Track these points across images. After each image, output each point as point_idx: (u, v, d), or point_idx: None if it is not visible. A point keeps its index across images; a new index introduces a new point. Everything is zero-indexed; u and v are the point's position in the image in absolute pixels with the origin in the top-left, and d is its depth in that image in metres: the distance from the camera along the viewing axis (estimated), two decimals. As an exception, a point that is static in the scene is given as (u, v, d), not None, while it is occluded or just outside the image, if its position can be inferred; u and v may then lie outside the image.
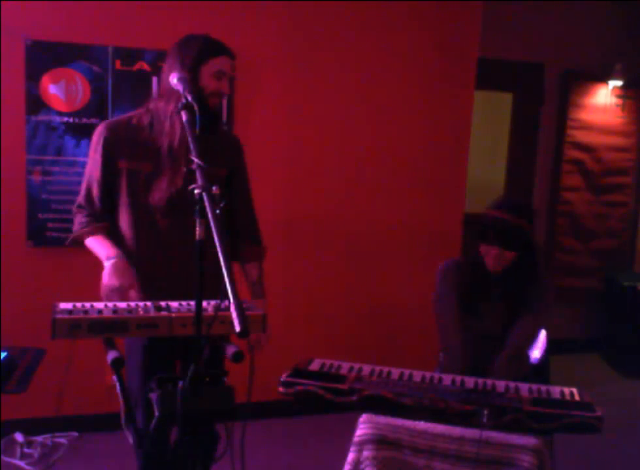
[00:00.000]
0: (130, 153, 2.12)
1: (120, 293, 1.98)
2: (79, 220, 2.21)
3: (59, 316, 1.68)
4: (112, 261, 2.04)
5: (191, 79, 2.04)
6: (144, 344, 2.20)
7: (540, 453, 1.88)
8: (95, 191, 2.18)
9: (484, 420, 1.79)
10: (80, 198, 2.22)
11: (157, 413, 1.51)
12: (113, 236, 2.19)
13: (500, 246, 2.33)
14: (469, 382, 2.02)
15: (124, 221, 2.17)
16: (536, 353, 2.67)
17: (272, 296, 3.57)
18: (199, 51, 2.09)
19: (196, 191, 1.52)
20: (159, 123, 2.12)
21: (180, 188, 2.10)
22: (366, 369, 2.08)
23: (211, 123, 2.14)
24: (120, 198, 2.16)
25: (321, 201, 3.65)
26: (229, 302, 1.37)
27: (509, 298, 2.41)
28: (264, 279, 2.37)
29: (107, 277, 2.00)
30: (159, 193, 2.12)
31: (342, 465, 2.02)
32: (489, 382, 2.01)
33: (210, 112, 2.12)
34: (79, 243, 2.20)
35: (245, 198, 2.36)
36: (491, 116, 4.95)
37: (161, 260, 2.16)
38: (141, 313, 1.76)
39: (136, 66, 3.20)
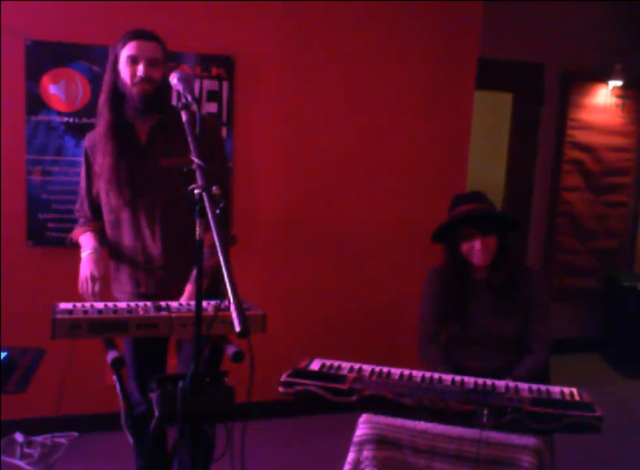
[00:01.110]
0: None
1: (91, 282, 2.14)
2: (78, 223, 2.39)
3: (59, 316, 1.68)
4: (87, 253, 2.21)
5: (114, 72, 2.17)
6: (132, 343, 2.28)
7: (540, 453, 1.88)
8: (85, 200, 2.34)
9: (484, 420, 1.79)
10: (76, 205, 2.41)
11: (156, 413, 1.51)
12: (102, 234, 2.32)
13: (480, 233, 2.33)
14: (469, 382, 2.01)
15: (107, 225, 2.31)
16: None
17: (272, 296, 3.60)
18: (117, 43, 2.18)
19: (196, 191, 1.52)
20: None
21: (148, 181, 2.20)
22: (366, 369, 2.08)
23: (148, 108, 2.18)
24: (101, 201, 2.29)
25: (321, 201, 3.65)
26: (229, 302, 1.37)
27: (496, 296, 2.40)
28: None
29: (81, 268, 2.19)
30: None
31: (342, 465, 2.01)
32: (489, 382, 2.01)
33: (140, 99, 2.15)
34: (74, 243, 2.35)
35: (221, 180, 2.25)
36: (491, 116, 4.95)
37: (144, 253, 2.25)
38: (141, 313, 1.76)
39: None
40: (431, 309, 2.46)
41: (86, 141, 2.33)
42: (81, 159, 2.35)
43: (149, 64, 2.14)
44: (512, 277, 2.40)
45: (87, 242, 2.27)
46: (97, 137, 2.25)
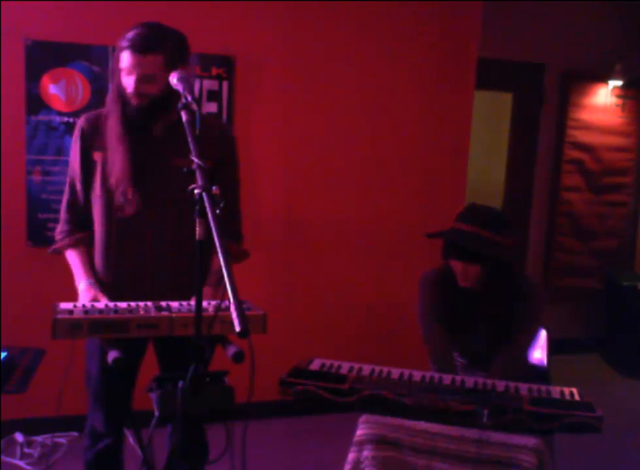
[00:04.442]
0: (104, 145, 2.09)
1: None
2: (60, 228, 2.21)
3: (59, 316, 1.68)
4: (82, 286, 2.07)
5: (116, 76, 2.03)
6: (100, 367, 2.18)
7: (540, 453, 1.88)
8: (78, 186, 2.16)
9: (484, 420, 1.79)
10: (64, 199, 2.21)
11: (156, 413, 1.51)
12: (90, 243, 2.18)
13: (462, 260, 2.24)
14: (469, 382, 2.01)
15: (97, 218, 2.14)
16: (536, 353, 2.67)
17: (272, 296, 3.60)
18: (118, 40, 2.01)
19: (196, 191, 1.52)
20: None
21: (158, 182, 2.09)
22: (366, 369, 2.08)
23: (144, 119, 2.05)
24: (94, 192, 2.13)
25: (320, 201, 3.65)
26: (229, 302, 1.37)
27: (493, 318, 2.33)
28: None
29: (79, 299, 2.05)
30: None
31: (342, 465, 2.02)
32: (489, 382, 2.01)
33: (135, 110, 2.03)
34: (59, 253, 2.21)
35: (231, 192, 2.24)
36: (491, 116, 4.95)
37: (133, 257, 2.12)
38: (142, 313, 1.76)
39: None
40: (430, 315, 2.41)
41: (84, 123, 2.12)
42: (75, 141, 2.15)
43: (142, 80, 1.97)
44: (508, 296, 2.31)
45: (77, 268, 2.12)
46: (106, 128, 2.08)
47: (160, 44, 1.97)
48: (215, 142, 2.17)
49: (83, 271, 2.12)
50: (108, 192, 2.09)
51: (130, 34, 1.98)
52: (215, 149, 2.15)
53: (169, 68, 1.96)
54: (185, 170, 1.63)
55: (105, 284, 2.13)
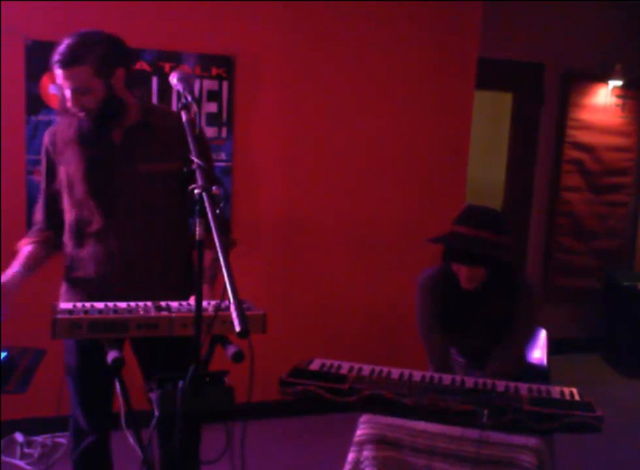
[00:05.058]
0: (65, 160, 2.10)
1: None
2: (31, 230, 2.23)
3: (59, 316, 1.68)
4: (8, 274, 2.05)
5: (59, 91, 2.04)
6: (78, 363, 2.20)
7: (540, 453, 1.88)
8: (46, 198, 2.18)
9: (484, 420, 1.79)
10: (39, 205, 2.22)
11: (156, 413, 1.51)
12: (48, 246, 2.18)
13: (465, 263, 2.23)
14: (469, 382, 2.01)
15: (67, 228, 2.15)
16: (536, 353, 2.67)
17: (272, 296, 3.60)
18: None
19: (196, 191, 1.52)
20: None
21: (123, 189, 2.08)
22: (366, 369, 2.08)
23: (97, 133, 2.05)
24: (64, 204, 2.14)
25: (320, 201, 3.65)
26: (229, 302, 1.37)
27: (492, 318, 2.33)
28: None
29: None
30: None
31: (342, 465, 2.02)
32: (489, 382, 2.01)
33: (86, 123, 2.04)
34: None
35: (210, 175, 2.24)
36: (491, 116, 4.95)
37: (104, 267, 2.12)
38: (141, 313, 1.76)
39: (136, 66, 3.20)
40: (429, 317, 2.41)
41: (47, 139, 2.15)
42: (43, 156, 2.16)
43: (77, 92, 1.97)
44: (507, 295, 2.31)
45: (16, 261, 2.10)
46: (65, 142, 2.09)
47: (85, 55, 1.95)
48: (183, 139, 2.14)
49: (15, 266, 2.09)
50: (74, 207, 2.10)
51: (58, 49, 1.97)
52: (180, 148, 2.09)
53: (102, 76, 1.97)
54: (185, 169, 1.62)
55: (81, 291, 2.14)
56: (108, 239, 2.10)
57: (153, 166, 2.08)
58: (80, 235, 2.13)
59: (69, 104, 2.00)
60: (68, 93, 1.99)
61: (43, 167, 2.18)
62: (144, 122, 2.10)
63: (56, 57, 1.96)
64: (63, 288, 2.25)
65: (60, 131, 2.12)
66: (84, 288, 2.16)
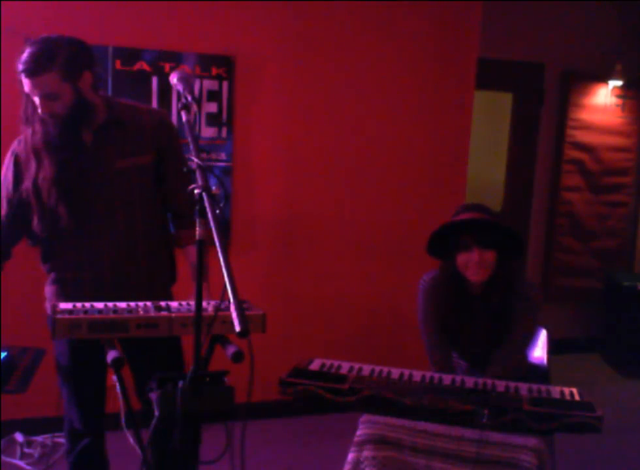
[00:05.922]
0: (34, 166, 2.08)
1: None
2: None
3: (59, 316, 1.68)
4: None
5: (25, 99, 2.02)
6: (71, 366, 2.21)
7: (540, 453, 1.88)
8: (5, 204, 2.15)
9: (484, 420, 1.79)
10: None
11: (156, 413, 1.51)
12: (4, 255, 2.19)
13: (478, 245, 2.20)
14: (469, 382, 2.01)
15: (37, 229, 2.13)
16: (536, 353, 2.67)
17: (272, 296, 3.60)
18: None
19: (196, 191, 1.52)
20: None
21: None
22: (366, 369, 2.08)
23: (68, 135, 2.05)
24: (31, 208, 2.11)
25: (320, 201, 3.65)
26: (229, 302, 1.37)
27: (493, 318, 2.31)
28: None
29: None
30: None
31: (342, 465, 2.02)
32: (489, 382, 2.01)
33: (55, 127, 2.03)
34: None
35: (182, 179, 2.13)
36: (491, 116, 4.95)
37: (93, 265, 2.12)
38: (141, 312, 1.76)
39: (136, 66, 3.20)
40: (431, 322, 2.39)
41: (17, 147, 2.13)
42: (8, 163, 2.14)
43: (46, 99, 1.97)
44: (508, 299, 2.28)
45: None
46: (32, 149, 2.07)
47: (49, 62, 1.95)
48: (152, 133, 2.16)
49: None
50: (45, 213, 2.09)
51: (22, 57, 1.96)
52: (151, 140, 2.15)
53: (69, 80, 1.98)
54: (185, 169, 1.62)
55: (72, 293, 2.13)
56: (90, 240, 2.10)
57: (127, 161, 2.10)
58: (59, 240, 2.13)
59: (39, 110, 2.00)
60: (37, 100, 1.99)
61: (9, 175, 2.13)
62: (112, 119, 2.11)
63: (22, 66, 1.95)
64: (51, 290, 2.22)
65: (28, 139, 2.10)
66: (74, 290, 2.15)
